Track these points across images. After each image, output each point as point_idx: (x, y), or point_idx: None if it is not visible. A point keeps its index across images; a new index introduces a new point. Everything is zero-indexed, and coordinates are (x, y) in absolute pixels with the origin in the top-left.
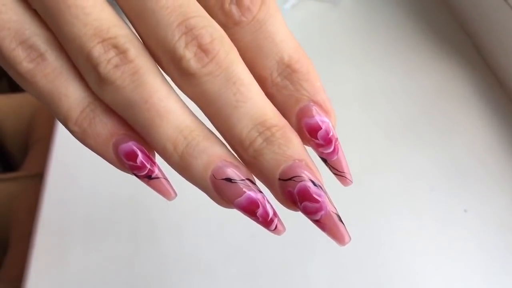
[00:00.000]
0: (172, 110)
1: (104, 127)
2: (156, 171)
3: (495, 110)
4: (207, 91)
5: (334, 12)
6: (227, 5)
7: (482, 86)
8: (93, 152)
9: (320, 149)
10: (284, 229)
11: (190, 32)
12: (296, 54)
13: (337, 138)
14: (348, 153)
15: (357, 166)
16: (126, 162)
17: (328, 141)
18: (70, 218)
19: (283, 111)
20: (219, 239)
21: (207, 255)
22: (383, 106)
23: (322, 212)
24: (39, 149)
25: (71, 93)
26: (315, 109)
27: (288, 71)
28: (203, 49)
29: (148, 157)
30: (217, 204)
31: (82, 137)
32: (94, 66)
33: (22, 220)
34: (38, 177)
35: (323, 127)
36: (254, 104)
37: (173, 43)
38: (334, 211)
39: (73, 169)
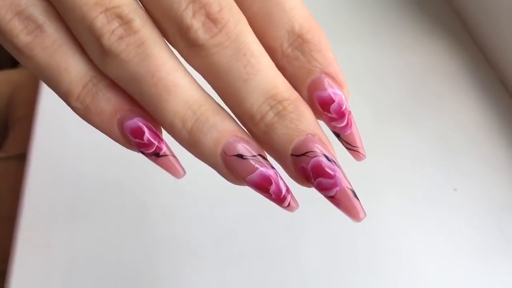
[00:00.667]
0: (180, 84)
1: (108, 102)
2: (164, 148)
3: (483, 88)
4: (216, 64)
5: None
6: None
7: (470, 64)
8: (79, 131)
9: (333, 123)
10: (298, 205)
11: (197, 1)
12: (307, 23)
13: (350, 112)
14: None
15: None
16: (132, 140)
17: (341, 114)
18: (56, 199)
19: (294, 83)
20: (210, 220)
21: (197, 237)
22: (371, 84)
23: (337, 188)
24: (20, 129)
25: (72, 67)
26: (327, 81)
27: (299, 41)
28: (211, 19)
29: (155, 133)
30: (217, 189)
31: (85, 114)
32: (96, 37)
33: (5, 202)
34: (20, 158)
35: (336, 100)
36: (265, 77)
37: (179, 13)
38: (349, 187)
39: (58, 148)
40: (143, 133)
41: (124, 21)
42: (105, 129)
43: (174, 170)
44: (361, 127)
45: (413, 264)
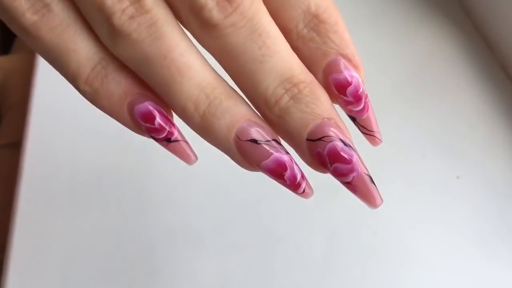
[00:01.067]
0: (193, 66)
1: (117, 85)
2: (176, 133)
3: (484, 74)
4: (230, 44)
5: None
6: None
7: (471, 50)
8: (74, 119)
9: (349, 107)
10: (312, 192)
11: None
12: (324, 2)
13: (367, 95)
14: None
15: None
16: (143, 124)
17: (357, 98)
18: (53, 188)
19: (309, 65)
20: (210, 208)
21: (197, 226)
22: (371, 71)
23: (354, 174)
24: (13, 116)
25: (80, 48)
26: (343, 64)
27: (315, 21)
28: None
29: (167, 118)
30: (216, 178)
31: (94, 98)
32: (107, 17)
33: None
34: (14, 146)
35: (353, 83)
36: (280, 59)
37: None
38: (366, 172)
39: (53, 136)
40: (154, 117)
41: (135, 0)
42: (115, 113)
43: (186, 156)
44: None
45: (415, 251)
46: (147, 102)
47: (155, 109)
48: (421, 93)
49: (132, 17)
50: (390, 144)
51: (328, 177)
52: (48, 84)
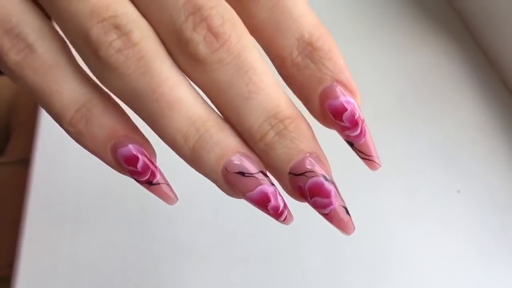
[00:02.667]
0: (183, 100)
1: (102, 128)
2: (158, 176)
3: (485, 88)
4: (217, 80)
5: None
6: None
7: (471, 64)
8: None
9: (346, 132)
10: (292, 218)
11: (198, 12)
12: (317, 31)
13: (363, 120)
14: (336, 134)
15: (346, 146)
16: (125, 167)
17: (354, 123)
18: (59, 204)
19: (305, 92)
20: (213, 224)
21: (201, 241)
22: (372, 85)
23: (331, 207)
24: (22, 133)
25: (64, 90)
26: (339, 90)
27: (309, 49)
28: (213, 33)
29: (150, 161)
30: (220, 193)
31: (77, 138)
32: (93, 49)
33: (7, 207)
34: (23, 163)
35: (349, 109)
36: (267, 95)
37: (179, 24)
38: (342, 205)
39: (61, 153)
40: (137, 161)
41: (123, 32)
42: (98, 154)
43: (167, 197)
44: None
45: (417, 266)
46: (130, 145)
47: (138, 152)
48: (422, 106)
49: (119, 50)
50: (391, 158)
51: None
52: None
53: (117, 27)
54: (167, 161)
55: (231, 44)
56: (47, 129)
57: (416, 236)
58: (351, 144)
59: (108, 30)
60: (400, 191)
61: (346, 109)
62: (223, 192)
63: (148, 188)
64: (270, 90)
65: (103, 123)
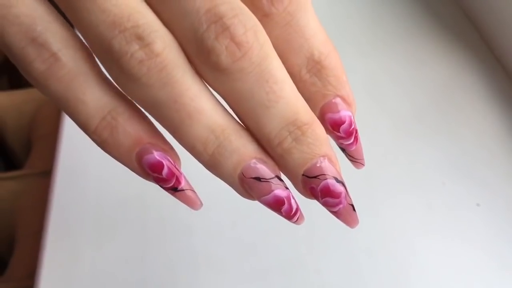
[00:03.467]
0: (204, 110)
1: (127, 136)
2: (183, 183)
3: (503, 100)
4: (238, 89)
5: (338, 1)
6: None
7: (489, 77)
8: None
9: (341, 141)
10: (304, 218)
11: (220, 21)
12: (326, 49)
13: (357, 130)
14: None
15: (366, 159)
16: (151, 174)
17: (349, 134)
18: (80, 216)
19: (308, 104)
20: (231, 236)
21: (219, 253)
22: (390, 98)
23: (341, 206)
24: (43, 146)
25: (89, 99)
26: (339, 104)
27: (318, 67)
28: (235, 42)
29: (175, 168)
30: (239, 205)
31: (103, 146)
32: (115, 60)
33: (28, 219)
34: (43, 175)
35: (346, 122)
36: (286, 104)
37: (200, 33)
38: (350, 203)
39: (81, 166)
40: (162, 168)
41: (145, 43)
42: (123, 162)
43: (192, 203)
44: (380, 141)
45: (436, 280)
46: (156, 152)
47: (163, 159)
48: (440, 119)
49: (141, 61)
50: (409, 171)
51: None
52: None
53: (139, 37)
54: (186, 171)
55: (253, 53)
56: (69, 141)
57: (435, 250)
58: (343, 149)
59: (130, 41)
60: (418, 204)
61: (343, 122)
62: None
63: (173, 195)
64: (289, 98)
65: (128, 131)
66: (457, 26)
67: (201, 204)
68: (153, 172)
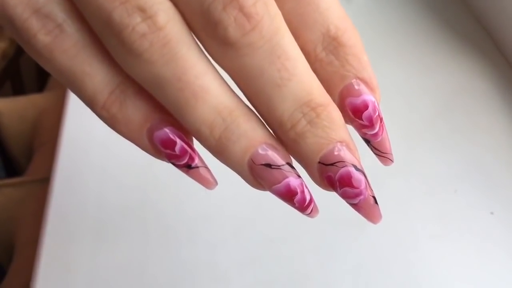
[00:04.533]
0: (210, 89)
1: (137, 111)
2: (196, 159)
3: None
4: (247, 66)
5: (347, 9)
6: None
7: (502, 83)
8: (102, 155)
9: (364, 130)
10: (318, 211)
11: None
12: (343, 24)
13: (382, 118)
14: (366, 153)
15: (377, 169)
16: (163, 151)
17: (373, 122)
18: (78, 223)
19: (325, 87)
20: (235, 245)
21: (222, 262)
22: (401, 105)
23: (361, 197)
24: (44, 153)
25: (96, 72)
26: (361, 87)
27: (334, 44)
28: (244, 13)
29: (188, 144)
30: (242, 213)
31: (111, 123)
32: (115, 33)
33: (28, 226)
34: (44, 182)
35: (369, 107)
36: (299, 82)
37: (207, 4)
38: (372, 194)
39: (81, 172)
40: (175, 144)
41: (147, 15)
42: (134, 139)
43: (206, 181)
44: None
45: None
46: (167, 128)
47: (175, 135)
48: (452, 126)
49: (143, 35)
50: (421, 179)
51: (355, 213)
52: (77, 122)
53: (142, 9)
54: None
55: (263, 26)
56: (68, 148)
57: (447, 260)
58: (367, 141)
59: (132, 12)
60: (430, 213)
61: (366, 108)
62: (245, 212)
63: (186, 173)
64: (303, 76)
65: (137, 105)
66: (468, 31)
67: (216, 183)
68: (165, 148)
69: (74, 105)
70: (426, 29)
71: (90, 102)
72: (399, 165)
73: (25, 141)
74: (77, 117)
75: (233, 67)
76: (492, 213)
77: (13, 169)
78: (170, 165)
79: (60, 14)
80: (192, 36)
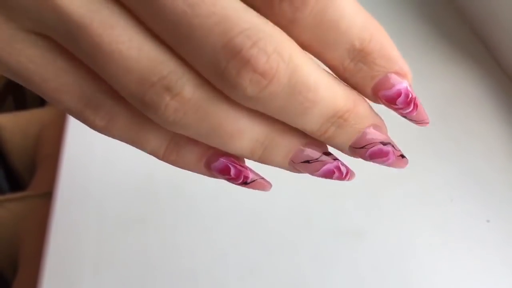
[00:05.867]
0: (244, 128)
1: (191, 154)
2: (250, 176)
3: (511, 114)
4: (270, 108)
5: None
6: (276, 4)
7: (496, 89)
8: (103, 170)
9: (400, 111)
10: (354, 173)
11: (238, 55)
12: (367, 32)
13: (415, 97)
14: (363, 165)
15: (373, 177)
16: (221, 177)
17: (407, 104)
18: (81, 238)
19: (357, 89)
20: (234, 257)
21: (221, 275)
22: (394, 114)
23: (389, 161)
24: (47, 167)
25: (151, 137)
26: (393, 79)
27: (362, 54)
28: (259, 73)
29: (241, 166)
30: (241, 224)
31: (173, 165)
32: (153, 111)
33: (31, 241)
34: (47, 196)
35: (403, 93)
36: (324, 104)
37: (220, 71)
38: (398, 154)
39: (82, 186)
40: (230, 169)
41: (174, 93)
42: (193, 171)
43: (263, 188)
44: None
45: None
46: (221, 158)
47: (229, 162)
48: (446, 134)
49: (176, 110)
50: (417, 188)
51: (353, 223)
52: (79, 136)
53: (168, 88)
54: (188, 195)
55: (280, 75)
56: (70, 162)
57: (444, 267)
58: (403, 116)
59: (161, 93)
60: (426, 221)
61: (400, 96)
62: (244, 223)
63: (244, 187)
64: (326, 98)
65: (191, 150)
66: (459, 37)
67: (271, 185)
68: (222, 175)
69: (76, 120)
70: (418, 36)
71: (152, 155)
72: (395, 175)
73: (28, 155)
74: (79, 131)
75: (257, 109)
76: (488, 221)
77: (16, 182)
78: (170, 179)
79: (106, 100)
80: (216, 90)
